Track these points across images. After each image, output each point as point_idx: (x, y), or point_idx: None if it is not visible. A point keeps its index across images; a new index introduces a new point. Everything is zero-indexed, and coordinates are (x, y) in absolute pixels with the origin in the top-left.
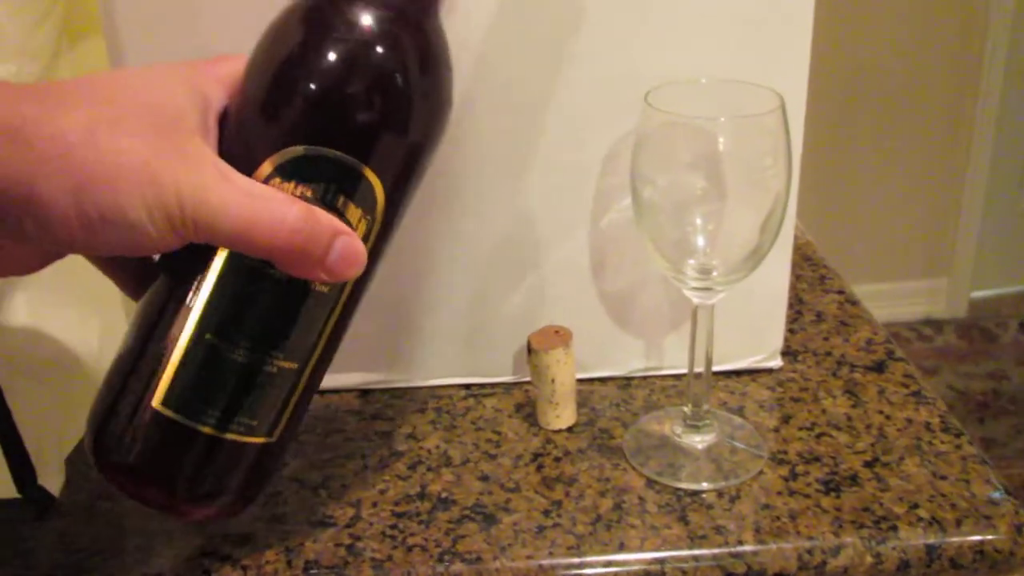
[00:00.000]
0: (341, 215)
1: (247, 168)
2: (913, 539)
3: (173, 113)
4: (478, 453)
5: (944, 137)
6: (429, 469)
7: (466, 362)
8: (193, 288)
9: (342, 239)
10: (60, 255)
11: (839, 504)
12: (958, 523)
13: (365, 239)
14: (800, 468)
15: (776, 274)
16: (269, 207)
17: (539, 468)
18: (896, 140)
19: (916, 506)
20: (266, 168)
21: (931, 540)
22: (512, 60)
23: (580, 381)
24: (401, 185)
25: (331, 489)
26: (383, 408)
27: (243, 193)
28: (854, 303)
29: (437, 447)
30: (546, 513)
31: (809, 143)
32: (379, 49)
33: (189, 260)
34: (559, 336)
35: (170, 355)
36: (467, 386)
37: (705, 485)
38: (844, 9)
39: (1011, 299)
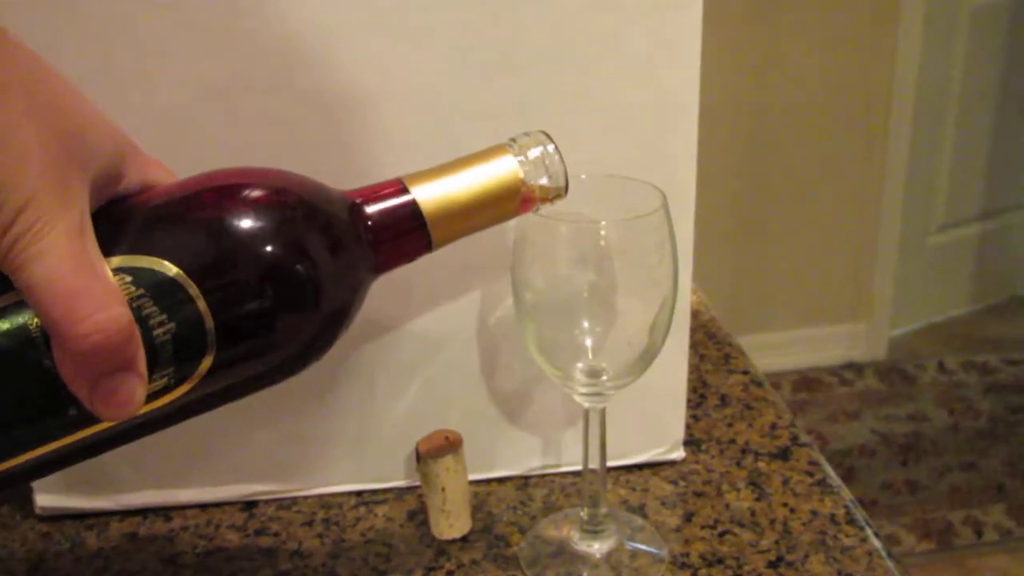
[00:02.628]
0: (152, 357)
1: (105, 249)
2: None
3: (87, 152)
4: (367, 569)
5: (857, 180)
6: None
7: (356, 468)
8: None
9: (133, 380)
10: None
11: None
12: None
13: (148, 399)
14: (702, 572)
15: (674, 366)
16: (97, 288)
17: None
18: (809, 185)
19: None
20: (122, 260)
21: None
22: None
23: (476, 483)
24: (225, 391)
25: None
26: (268, 522)
27: (84, 258)
28: (759, 384)
29: (324, 564)
30: None
31: (723, 189)
32: (310, 263)
33: None
34: (448, 442)
35: None
36: (359, 493)
37: None
38: (753, 51)
39: (928, 333)
